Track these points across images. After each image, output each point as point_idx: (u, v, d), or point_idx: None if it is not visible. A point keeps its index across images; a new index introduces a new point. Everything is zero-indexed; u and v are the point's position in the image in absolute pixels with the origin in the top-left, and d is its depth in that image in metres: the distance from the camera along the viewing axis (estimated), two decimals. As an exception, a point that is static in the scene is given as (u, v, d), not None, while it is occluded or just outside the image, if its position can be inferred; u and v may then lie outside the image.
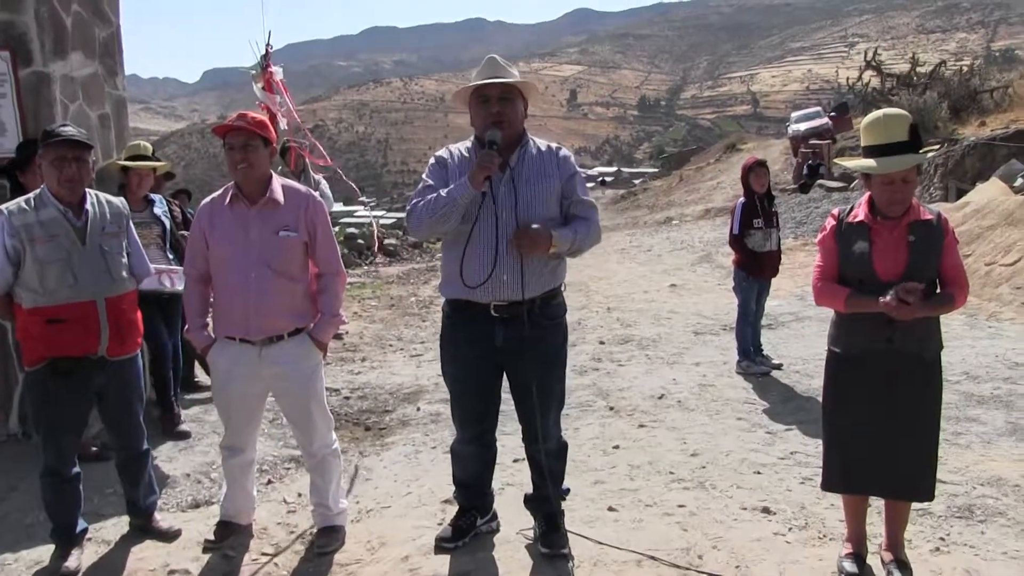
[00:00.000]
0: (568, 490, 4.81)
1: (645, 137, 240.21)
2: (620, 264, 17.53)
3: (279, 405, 4.90)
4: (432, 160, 4.44)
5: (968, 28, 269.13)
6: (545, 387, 4.35)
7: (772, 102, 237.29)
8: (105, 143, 7.21)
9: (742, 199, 8.29)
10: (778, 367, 8.29)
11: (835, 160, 17.56)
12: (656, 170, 63.61)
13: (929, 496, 4.15)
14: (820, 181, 23.47)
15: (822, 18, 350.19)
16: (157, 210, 6.79)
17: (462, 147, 4.42)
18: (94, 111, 7.06)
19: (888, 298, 3.78)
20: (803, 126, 31.37)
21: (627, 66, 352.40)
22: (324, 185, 10.54)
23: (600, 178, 72.77)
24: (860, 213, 4.08)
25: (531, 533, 4.70)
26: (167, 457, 6.43)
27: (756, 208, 8.19)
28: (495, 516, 4.82)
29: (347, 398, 8.03)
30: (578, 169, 4.45)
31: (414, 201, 4.27)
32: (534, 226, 4.08)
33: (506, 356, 4.29)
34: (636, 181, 59.21)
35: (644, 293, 13.60)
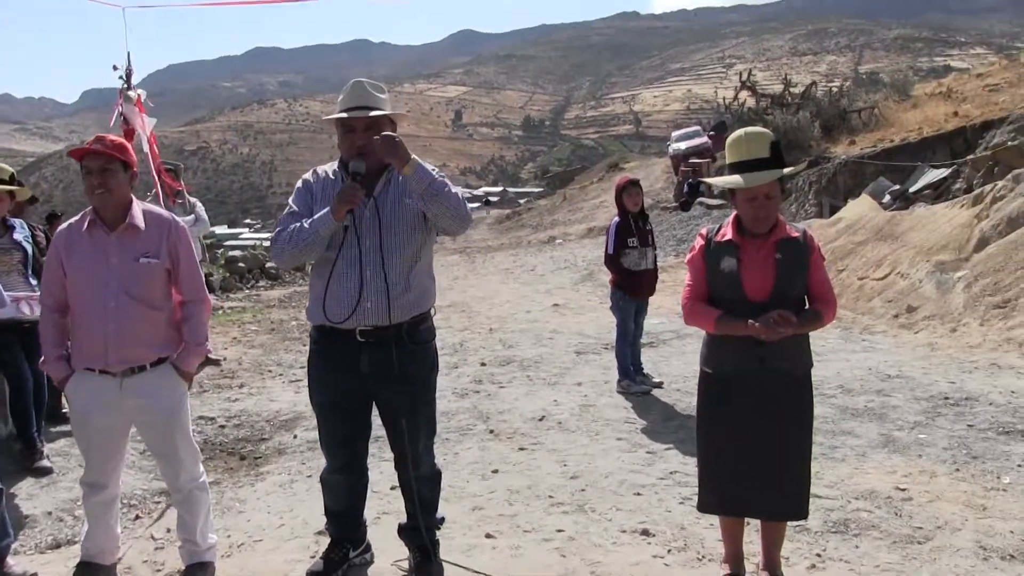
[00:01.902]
0: (443, 519, 4.71)
1: (530, 157, 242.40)
2: (503, 284, 17.56)
3: (143, 438, 4.67)
4: (299, 184, 4.32)
5: (837, 51, 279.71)
6: (414, 413, 4.25)
7: (654, 122, 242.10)
8: (-42, 167, 6.83)
9: (616, 219, 8.34)
10: (659, 385, 8.33)
11: (702, 178, 17.88)
12: (541, 190, 64.15)
13: (803, 515, 4.17)
14: (700, 199, 23.92)
15: (700, 40, 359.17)
16: (17, 235, 6.48)
17: (329, 169, 4.31)
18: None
19: (757, 324, 3.80)
20: (683, 145, 32.05)
21: (511, 87, 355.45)
22: (200, 208, 10.29)
23: (485, 198, 73.07)
24: (728, 232, 4.08)
25: (406, 564, 4.58)
26: (27, 494, 6.09)
27: (631, 227, 8.24)
28: (369, 547, 4.68)
29: (222, 427, 7.80)
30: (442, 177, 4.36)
31: (278, 229, 4.16)
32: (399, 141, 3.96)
33: (373, 382, 4.18)
34: (521, 201, 59.63)
35: (527, 313, 13.61)
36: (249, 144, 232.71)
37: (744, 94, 32.06)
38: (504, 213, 45.81)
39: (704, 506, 4.26)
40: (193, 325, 4.45)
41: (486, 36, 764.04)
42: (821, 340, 9.50)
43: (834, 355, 9.15)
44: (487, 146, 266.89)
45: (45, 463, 6.49)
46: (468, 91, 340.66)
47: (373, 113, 4.12)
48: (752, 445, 4.01)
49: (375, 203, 4.11)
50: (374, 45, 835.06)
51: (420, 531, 4.41)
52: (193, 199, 10.31)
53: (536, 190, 71.50)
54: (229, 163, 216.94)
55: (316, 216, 4.04)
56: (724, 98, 33.42)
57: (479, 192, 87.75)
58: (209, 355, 10.15)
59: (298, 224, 4.07)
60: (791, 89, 30.28)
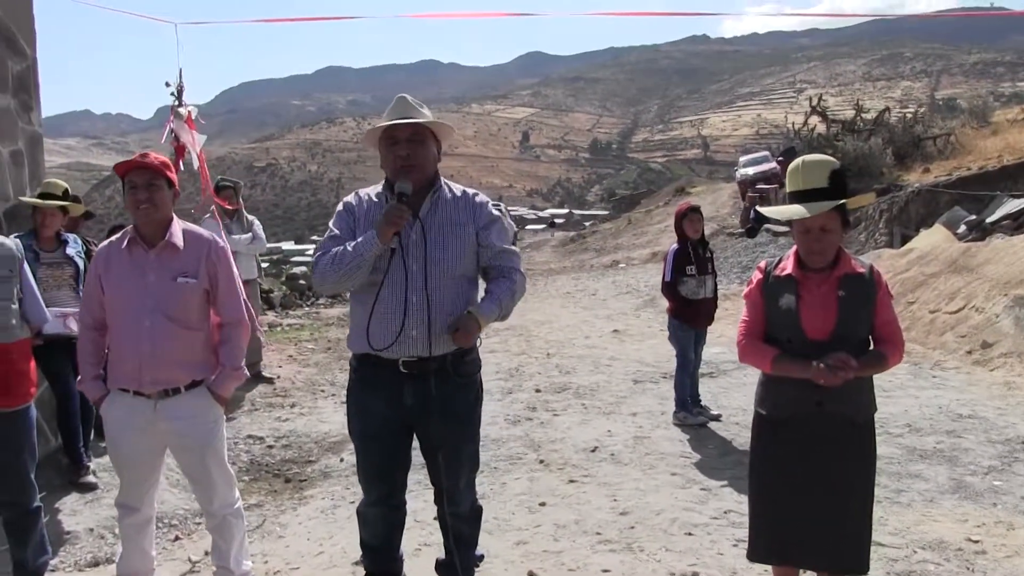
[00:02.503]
0: (482, 556, 4.54)
1: (597, 180, 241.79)
2: (563, 308, 17.35)
3: (177, 462, 4.58)
4: (340, 207, 4.18)
5: (912, 76, 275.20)
6: (455, 449, 4.08)
7: (722, 146, 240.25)
8: (18, 181, 6.90)
9: (675, 245, 8.12)
10: (716, 418, 8.08)
11: (757, 208, 17.51)
12: (607, 213, 63.89)
13: (863, 568, 3.87)
14: (767, 225, 23.52)
15: (770, 64, 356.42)
16: (70, 250, 6.49)
17: (372, 192, 4.17)
18: (5, 147, 6.75)
19: (818, 366, 3.57)
20: (751, 170, 31.64)
21: (579, 109, 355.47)
22: (257, 226, 10.26)
23: (550, 220, 73.06)
24: (788, 266, 3.86)
25: (443, 601, 4.42)
26: (71, 510, 6.07)
27: (689, 255, 8.01)
28: (405, 582, 4.54)
29: (271, 447, 7.73)
30: (497, 215, 4.19)
31: (319, 255, 4.00)
32: (459, 318, 3.89)
33: (414, 415, 4.02)
34: (587, 224, 59.40)
35: (586, 339, 13.40)
36: (317, 162, 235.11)
37: (814, 119, 31.55)
38: (568, 236, 45.55)
39: (755, 555, 4.01)
40: (230, 348, 4.36)
41: (554, 58, 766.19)
42: (889, 376, 9.13)
43: (902, 391, 8.81)
44: (554, 168, 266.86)
45: (90, 479, 6.48)
46: (536, 113, 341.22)
47: (415, 120, 3.96)
48: (808, 493, 3.77)
49: (421, 225, 3.96)
50: (442, 66, 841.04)
51: (459, 569, 4.25)
52: (251, 217, 10.28)
53: (602, 213, 71.22)
54: (297, 180, 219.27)
55: (360, 239, 3.89)
56: (793, 123, 32.93)
57: (544, 214, 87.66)
58: (263, 374, 10.23)
59: (341, 248, 3.93)
60: (863, 115, 29.77)
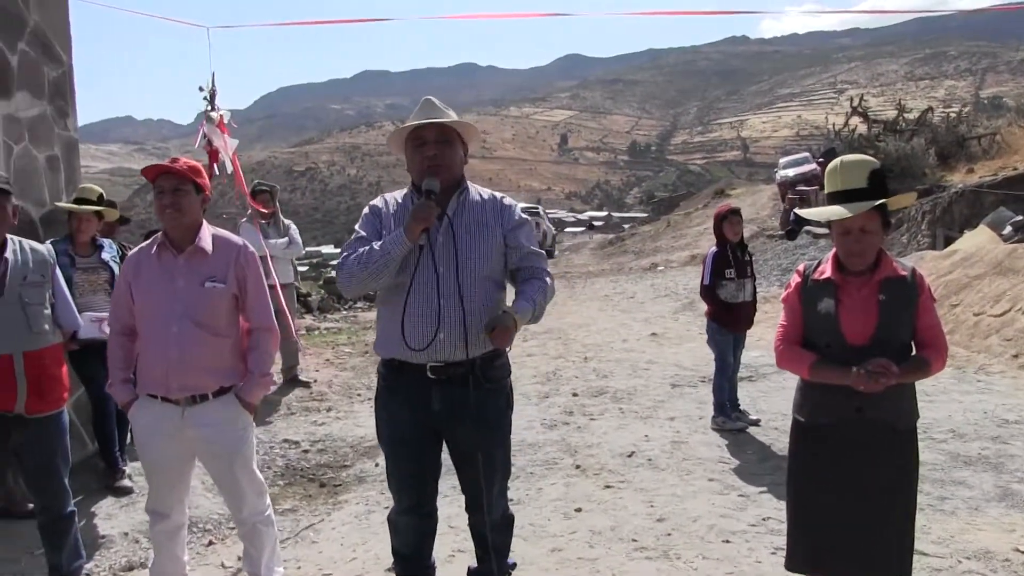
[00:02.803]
0: (514, 565, 4.47)
1: (636, 182, 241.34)
2: (601, 311, 17.25)
3: (206, 469, 4.55)
4: (366, 209, 4.13)
5: (956, 75, 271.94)
6: (486, 455, 3.99)
7: (762, 148, 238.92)
8: (54, 186, 6.95)
9: (714, 248, 8.00)
10: (755, 423, 7.96)
11: (795, 210, 17.23)
12: (646, 215, 63.63)
13: None
14: (807, 227, 23.26)
15: (811, 64, 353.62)
16: (105, 255, 6.51)
17: (398, 195, 4.11)
18: (41, 152, 6.80)
19: (858, 372, 3.47)
20: (791, 172, 31.30)
21: (618, 111, 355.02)
22: (294, 230, 10.27)
23: (589, 222, 72.92)
24: (827, 269, 3.75)
25: (475, 609, 4.36)
26: (106, 514, 6.11)
27: (728, 258, 7.90)
28: (437, 590, 4.48)
29: (306, 451, 7.71)
30: (526, 218, 4.13)
31: (345, 255, 3.94)
32: (495, 318, 3.82)
33: (443, 421, 3.95)
34: (625, 226, 59.18)
35: (623, 342, 13.30)
36: (356, 165, 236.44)
37: (855, 120, 31.17)
38: (607, 238, 45.41)
39: (792, 564, 3.91)
40: (259, 355, 4.33)
41: (593, 60, 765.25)
42: (932, 380, 8.92)
43: (945, 396, 8.63)
44: (592, 170, 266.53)
45: (126, 483, 6.53)
46: (574, 115, 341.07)
47: (442, 120, 3.91)
48: (848, 501, 3.66)
49: (450, 225, 3.89)
50: (481, 68, 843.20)
51: (491, 576, 4.19)
52: (287, 221, 10.29)
53: (641, 215, 70.91)
54: (336, 184, 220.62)
55: (387, 238, 3.83)
56: (834, 124, 32.52)
57: (583, 217, 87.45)
58: (300, 377, 10.24)
59: (367, 247, 3.86)
60: (905, 115, 29.37)
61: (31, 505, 5.74)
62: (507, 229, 3.99)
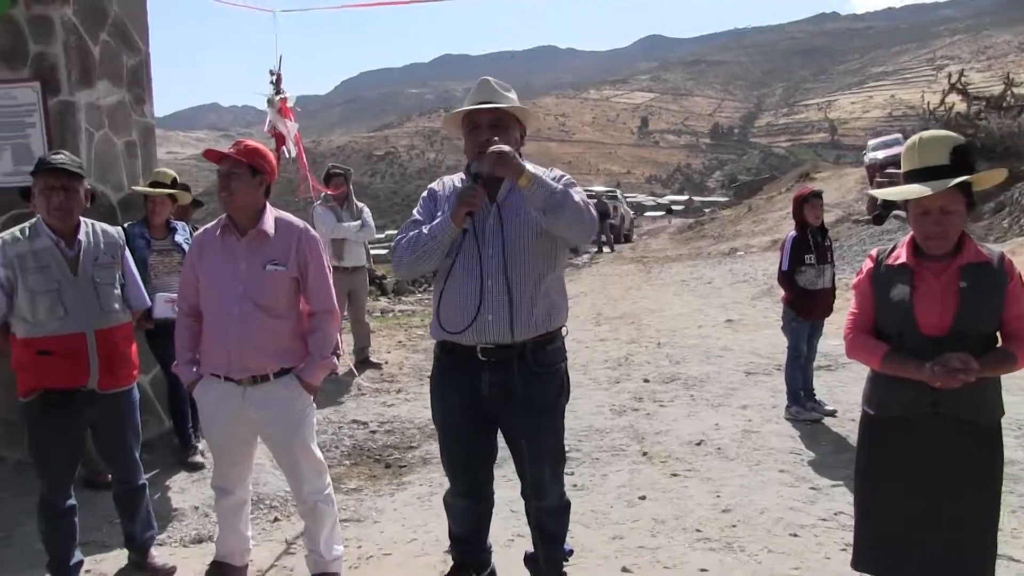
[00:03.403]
0: (571, 551, 4.39)
1: (718, 165, 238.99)
2: (677, 296, 17.06)
3: (268, 448, 4.62)
4: (424, 192, 4.12)
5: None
6: (538, 441, 3.95)
7: (851, 129, 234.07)
8: (131, 170, 7.13)
9: (793, 233, 7.79)
10: (831, 414, 7.78)
11: (869, 191, 16.60)
12: (727, 199, 62.90)
13: None
14: (895, 212, 22.61)
15: (907, 40, 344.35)
16: (179, 237, 6.66)
17: (456, 178, 4.09)
18: (120, 139, 6.98)
19: (933, 369, 3.28)
20: (880, 154, 30.37)
21: (700, 93, 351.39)
22: (367, 213, 10.29)
23: (668, 206, 72.41)
24: (902, 254, 3.54)
25: (532, 594, 4.32)
26: (179, 488, 6.27)
27: (808, 243, 7.69)
28: (494, 573, 4.44)
29: (374, 432, 7.75)
30: (572, 181, 3.95)
31: (398, 238, 3.95)
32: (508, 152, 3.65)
33: (493, 405, 3.92)
34: (706, 210, 58.59)
35: (698, 328, 13.13)
36: (436, 149, 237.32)
37: (952, 98, 29.58)
38: (687, 222, 45.00)
39: (859, 564, 3.74)
40: (320, 337, 4.37)
41: (674, 41, 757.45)
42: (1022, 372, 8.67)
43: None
44: (673, 154, 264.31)
45: (198, 458, 6.71)
46: (655, 97, 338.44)
47: (498, 105, 3.85)
48: (919, 502, 3.48)
49: (499, 210, 3.85)
50: (560, 51, 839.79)
51: (546, 562, 4.14)
52: (360, 204, 10.32)
53: (722, 199, 70.14)
54: (416, 168, 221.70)
55: (435, 222, 3.82)
56: (928, 103, 31.03)
57: (663, 201, 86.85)
58: (371, 359, 10.29)
59: (417, 231, 3.87)
60: (1013, 89, 27.64)
61: (111, 476, 5.95)
62: None
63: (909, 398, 3.47)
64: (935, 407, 3.42)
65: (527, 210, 3.83)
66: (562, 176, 3.92)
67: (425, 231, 3.81)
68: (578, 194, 3.79)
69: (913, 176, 3.43)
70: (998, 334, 3.49)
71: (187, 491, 6.21)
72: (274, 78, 7.54)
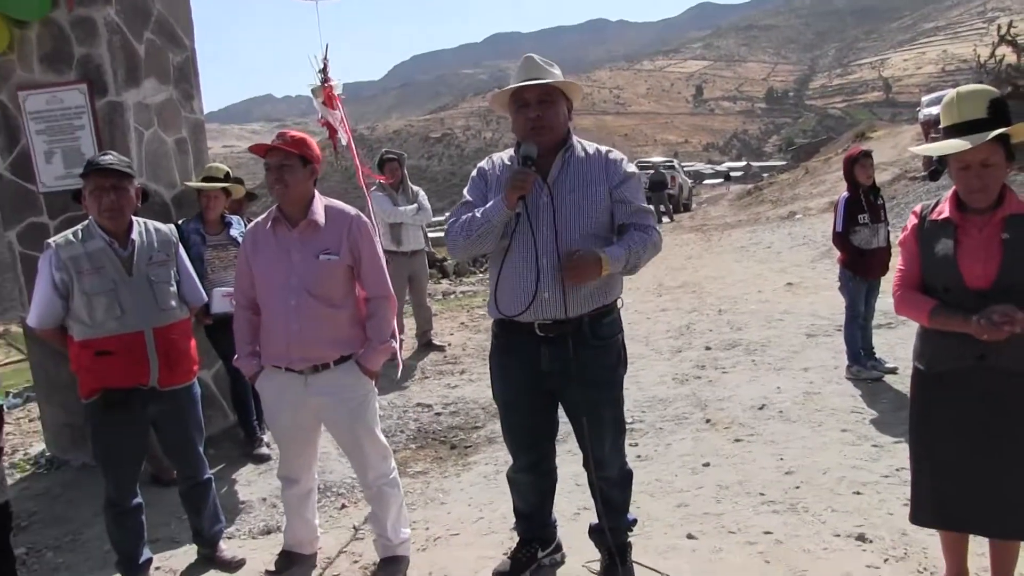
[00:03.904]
0: (635, 521, 4.43)
1: (774, 130, 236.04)
2: (738, 263, 16.93)
3: (332, 435, 4.68)
4: (474, 172, 4.15)
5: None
6: (597, 414, 3.99)
7: (905, 87, 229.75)
8: (183, 167, 7.21)
9: (846, 194, 7.74)
10: (892, 371, 7.71)
11: (911, 148, 16.48)
12: (784, 163, 62.15)
13: None
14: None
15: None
16: (234, 231, 6.71)
17: (504, 156, 4.12)
18: (170, 136, 7.06)
19: (979, 322, 3.28)
20: (934, 110, 29.74)
21: (753, 59, 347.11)
22: (422, 196, 10.37)
23: (727, 173, 71.76)
24: (945, 209, 3.55)
25: (597, 566, 4.38)
26: (246, 480, 6.37)
27: (861, 203, 7.63)
28: (559, 547, 4.51)
29: (438, 414, 7.83)
30: (633, 171, 4.05)
31: (451, 221, 4.00)
32: (580, 251, 3.74)
33: (553, 380, 3.96)
34: (764, 175, 57.95)
35: (759, 293, 13.03)
36: (492, 129, 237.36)
37: (1003, 49, 29.02)
38: (745, 188, 44.55)
39: (917, 518, 3.77)
40: (377, 322, 4.42)
41: (725, 8, 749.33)
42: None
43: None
44: (729, 121, 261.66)
45: (264, 450, 6.78)
46: (708, 65, 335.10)
47: (543, 81, 3.86)
48: (972, 454, 3.49)
49: (550, 189, 3.88)
50: (611, 24, 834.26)
51: (610, 533, 4.19)
52: (416, 187, 10.40)
53: (780, 163, 69.34)
54: (473, 148, 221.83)
55: (489, 205, 3.85)
56: (979, 56, 30.47)
57: (722, 168, 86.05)
58: (434, 342, 10.40)
59: (471, 214, 3.90)
60: (1067, 37, 26.95)
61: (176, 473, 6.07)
62: (613, 184, 3.94)
63: (957, 352, 3.48)
64: (983, 360, 3.42)
65: (582, 189, 3.89)
66: (626, 166, 4.01)
67: (478, 215, 3.85)
68: (647, 230, 3.92)
69: (952, 131, 3.43)
70: None
71: (254, 483, 6.32)
72: (320, 67, 7.58)
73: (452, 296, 15.43)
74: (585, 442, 4.07)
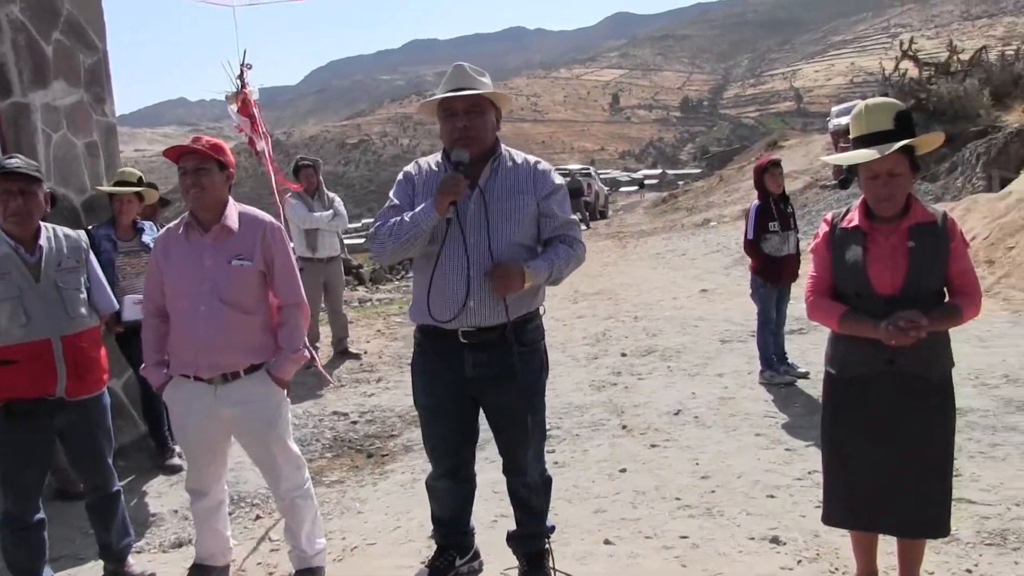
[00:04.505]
0: (553, 527, 4.45)
1: (689, 138, 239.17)
2: (653, 270, 17.15)
3: (242, 446, 4.57)
4: (400, 176, 4.13)
5: (1016, 11, 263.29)
6: (521, 419, 3.99)
7: (816, 97, 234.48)
8: (94, 171, 7.06)
9: (756, 202, 7.91)
10: (804, 376, 7.87)
11: (822, 158, 17.02)
12: (699, 171, 62.99)
13: (943, 532, 3.73)
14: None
15: (863, 10, 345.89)
16: (146, 237, 6.56)
17: (432, 160, 4.11)
18: (80, 139, 6.90)
19: (887, 328, 3.41)
20: (844, 120, 30.48)
21: (668, 68, 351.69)
22: (338, 202, 10.28)
23: (641, 181, 72.51)
24: (855, 217, 3.68)
25: (515, 573, 4.37)
26: (156, 492, 6.24)
27: (771, 211, 7.82)
28: (477, 555, 4.49)
29: (355, 422, 7.76)
30: (560, 183, 4.08)
31: (377, 224, 3.97)
32: (504, 263, 3.77)
33: (477, 386, 3.97)
34: (680, 183, 58.68)
35: (674, 300, 13.21)
36: (409, 135, 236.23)
37: (906, 64, 30.23)
38: (660, 196, 45.08)
39: (829, 519, 3.88)
40: (289, 330, 4.34)
41: (641, 17, 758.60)
42: (986, 325, 8.82)
43: (1000, 340, 8.46)
44: (645, 129, 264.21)
45: (175, 461, 6.64)
46: (625, 74, 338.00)
47: (472, 92, 3.86)
48: (880, 455, 3.61)
49: (481, 195, 3.88)
50: (529, 32, 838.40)
51: (529, 539, 4.20)
52: (331, 194, 10.31)
53: (695, 171, 70.22)
54: (390, 155, 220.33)
55: (418, 209, 3.83)
56: (884, 69, 31.64)
57: (637, 175, 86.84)
58: (350, 349, 10.31)
59: (399, 218, 3.88)
60: (958, 55, 28.41)
61: (82, 487, 5.87)
62: (540, 196, 3.97)
63: (868, 356, 3.60)
64: (892, 364, 3.55)
65: (511, 196, 3.92)
66: (554, 177, 4.07)
67: (407, 218, 3.83)
68: (571, 243, 4.02)
69: (861, 142, 3.58)
70: (945, 290, 3.63)
71: (165, 495, 6.18)
72: (237, 72, 7.46)
73: (368, 303, 15.32)
74: (507, 448, 4.07)
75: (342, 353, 10.32)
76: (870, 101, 3.67)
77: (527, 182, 3.98)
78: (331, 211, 10.00)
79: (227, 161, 4.27)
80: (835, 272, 3.70)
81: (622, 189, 66.24)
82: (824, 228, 3.80)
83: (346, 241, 10.91)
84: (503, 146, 4.06)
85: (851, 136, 3.68)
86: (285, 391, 4.41)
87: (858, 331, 3.56)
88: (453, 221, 3.84)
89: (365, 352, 10.63)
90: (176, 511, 5.85)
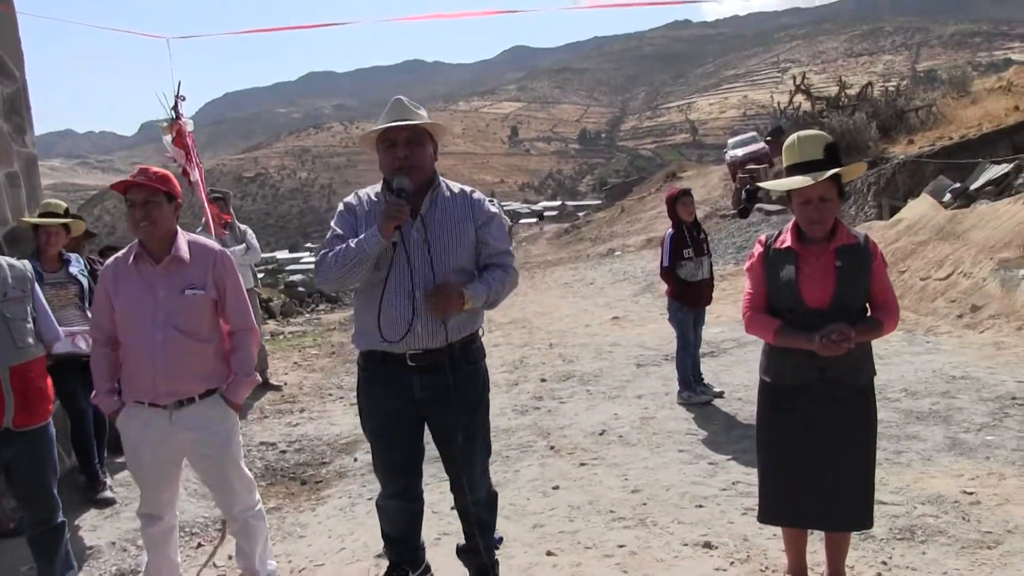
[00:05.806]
0: (501, 539, 4.64)
1: (588, 170, 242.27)
2: (563, 299, 17.47)
3: (195, 470, 4.65)
4: (340, 207, 4.27)
5: (893, 50, 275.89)
6: (469, 435, 4.18)
7: (711, 129, 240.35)
8: (16, 203, 6.92)
9: (670, 230, 8.23)
10: (720, 395, 8.20)
11: (758, 183, 17.72)
12: (599, 202, 63.94)
13: (868, 524, 4.07)
14: (759, 205, 23.54)
15: (754, 45, 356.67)
16: (73, 269, 6.51)
17: (371, 192, 4.26)
18: (1, 170, 6.78)
19: (820, 340, 3.73)
20: (740, 151, 31.63)
21: (566, 100, 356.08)
22: (250, 235, 10.28)
23: (541, 212, 73.36)
24: (787, 239, 4.01)
25: (466, 586, 4.54)
26: (91, 526, 6.16)
27: (685, 238, 8.14)
28: (428, 570, 4.63)
29: (283, 452, 7.83)
30: (495, 211, 4.30)
31: (323, 252, 4.09)
32: (444, 286, 3.95)
33: (426, 406, 4.12)
34: (580, 214, 59.45)
35: (586, 327, 13.51)
36: (307, 168, 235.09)
37: (799, 98, 31.49)
38: (563, 227, 45.72)
39: (764, 517, 4.20)
40: (241, 356, 4.44)
41: (539, 51, 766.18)
42: (884, 344, 9.25)
43: (897, 358, 8.93)
44: (544, 161, 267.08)
45: (108, 494, 6.54)
46: (523, 106, 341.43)
47: (412, 121, 4.05)
48: (812, 456, 3.93)
49: (423, 222, 4.06)
50: (428, 65, 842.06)
51: (479, 552, 4.36)
52: (243, 227, 10.31)
53: (595, 202, 71.34)
54: (288, 188, 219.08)
55: (362, 236, 3.97)
56: (779, 103, 32.87)
57: (537, 207, 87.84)
58: (271, 381, 10.33)
59: (344, 245, 4.01)
60: (847, 91, 29.70)
61: (12, 524, 5.78)
62: (478, 224, 4.16)
63: (800, 367, 3.92)
64: (823, 373, 3.88)
65: (450, 223, 4.10)
66: (492, 206, 4.30)
67: (352, 245, 3.95)
68: (506, 268, 4.22)
69: (794, 170, 3.92)
70: (868, 305, 3.99)
71: (100, 528, 6.11)
72: (170, 106, 7.50)
73: (281, 336, 15.31)
74: (455, 466, 4.23)
75: (263, 385, 10.31)
76: (802, 133, 4.02)
77: (466, 210, 4.17)
78: (244, 244, 9.99)
79: (175, 192, 4.34)
80: (769, 289, 4.01)
81: (523, 221, 66.93)
82: (759, 249, 4.11)
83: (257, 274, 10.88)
84: (440, 177, 4.25)
85: (784, 164, 4.01)
86: (237, 415, 4.51)
87: (793, 343, 3.87)
88: (399, 246, 3.99)
89: (285, 384, 10.67)
90: (114, 543, 5.81)
